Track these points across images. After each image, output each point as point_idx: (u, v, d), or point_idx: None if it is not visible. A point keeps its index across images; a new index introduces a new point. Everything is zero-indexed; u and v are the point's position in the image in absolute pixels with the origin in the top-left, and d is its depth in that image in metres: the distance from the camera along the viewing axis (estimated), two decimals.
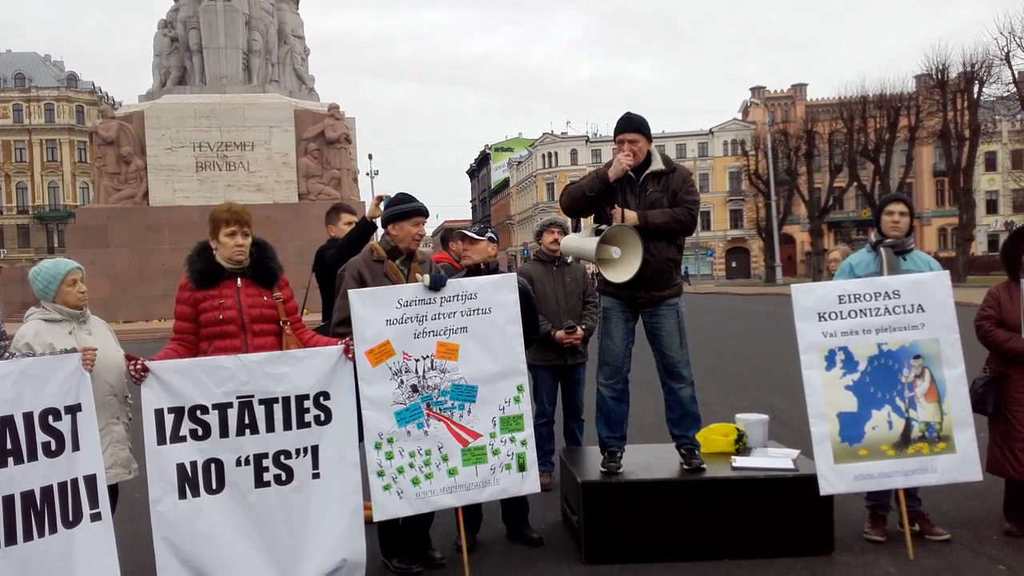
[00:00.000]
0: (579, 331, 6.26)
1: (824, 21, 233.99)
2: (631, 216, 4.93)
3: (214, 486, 4.12)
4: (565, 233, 6.63)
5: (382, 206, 5.14)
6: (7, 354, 4.01)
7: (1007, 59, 38.73)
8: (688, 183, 5.11)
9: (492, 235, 5.61)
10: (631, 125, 5.06)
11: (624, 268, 4.94)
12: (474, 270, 5.40)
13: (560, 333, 6.20)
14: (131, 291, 25.42)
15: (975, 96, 42.13)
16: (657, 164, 5.07)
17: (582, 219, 5.41)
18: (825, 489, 4.76)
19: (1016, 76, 38.86)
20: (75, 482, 3.81)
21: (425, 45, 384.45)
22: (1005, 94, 40.64)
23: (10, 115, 74.21)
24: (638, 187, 5.04)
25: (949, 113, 43.42)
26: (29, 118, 74.24)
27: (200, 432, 4.12)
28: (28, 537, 3.60)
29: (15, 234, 73.90)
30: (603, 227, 5.02)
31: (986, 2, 61.79)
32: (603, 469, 5.01)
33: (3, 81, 75.53)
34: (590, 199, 5.09)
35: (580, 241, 5.22)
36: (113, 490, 4.26)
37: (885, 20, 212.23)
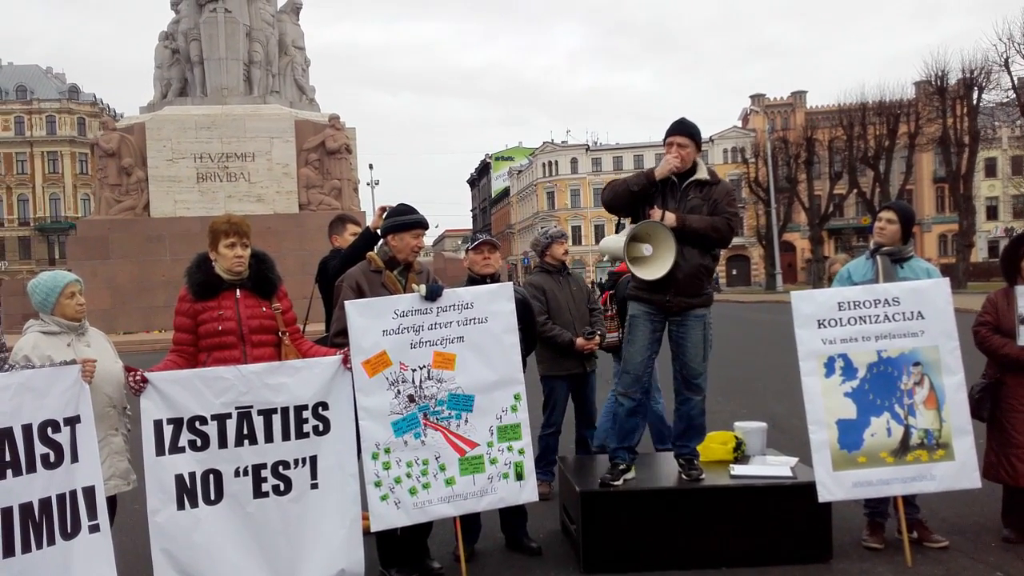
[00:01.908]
0: (597, 337, 6.30)
1: (818, 30, 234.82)
2: (670, 217, 4.90)
3: (212, 497, 4.12)
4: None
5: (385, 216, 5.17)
6: (6, 366, 4.03)
7: (1006, 65, 38.80)
8: (730, 196, 5.09)
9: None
10: (683, 129, 5.04)
11: (655, 267, 4.92)
12: (477, 280, 5.42)
13: (580, 340, 6.23)
14: (132, 302, 25.46)
15: (975, 102, 42.16)
16: (702, 173, 5.06)
17: (624, 220, 5.34)
18: (824, 496, 4.76)
19: (1015, 82, 38.89)
20: (74, 494, 3.81)
21: (425, 56, 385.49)
22: (1005, 100, 40.69)
23: (11, 127, 74.38)
24: (679, 192, 5.02)
25: (949, 119, 43.46)
26: (31, 130, 74.40)
27: (199, 443, 4.12)
28: (27, 549, 3.60)
29: (16, 246, 73.95)
30: (636, 223, 5.02)
31: (977, 11, 62.10)
32: (601, 480, 5.01)
33: (5, 93, 75.73)
34: (634, 195, 5.03)
35: (615, 240, 5.20)
36: (112, 502, 4.26)
37: (879, 29, 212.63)
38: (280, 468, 4.24)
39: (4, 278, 51.75)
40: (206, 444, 4.13)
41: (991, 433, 5.19)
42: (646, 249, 4.95)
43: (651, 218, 4.94)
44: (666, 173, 4.97)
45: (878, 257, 5.20)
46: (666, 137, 5.09)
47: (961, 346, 4.90)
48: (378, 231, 5.25)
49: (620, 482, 4.98)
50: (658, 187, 5.01)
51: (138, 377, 4.07)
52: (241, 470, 4.17)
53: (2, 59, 79.17)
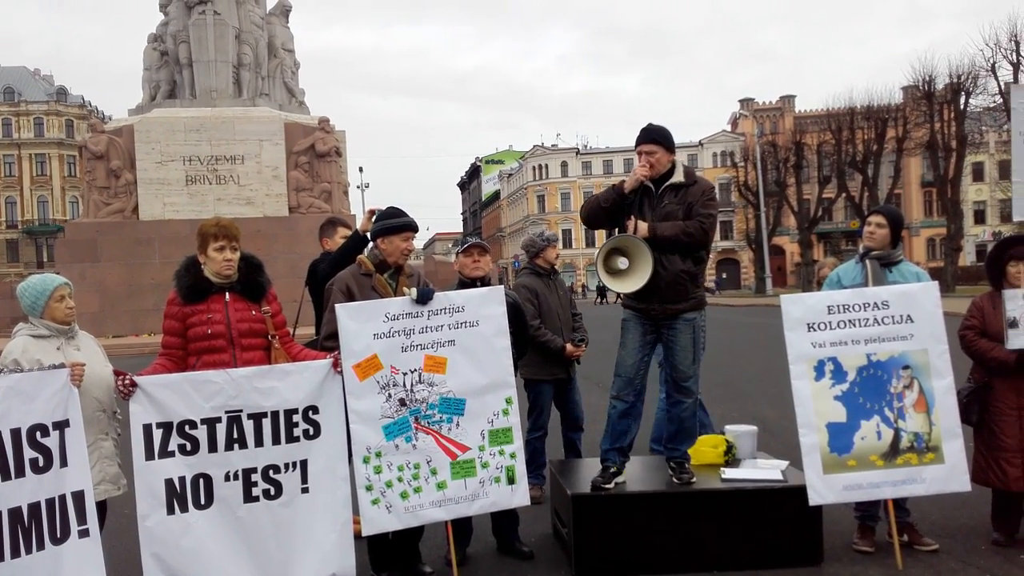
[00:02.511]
0: (583, 345, 6.37)
1: (807, 35, 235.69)
2: (641, 227, 4.88)
3: (203, 501, 4.10)
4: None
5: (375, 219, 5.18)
6: None
7: (993, 70, 39.15)
8: (706, 196, 5.02)
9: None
10: (648, 136, 5.01)
11: (632, 279, 4.92)
12: (467, 283, 5.41)
13: (570, 346, 6.27)
14: (121, 305, 25.34)
15: (962, 107, 42.46)
16: (677, 176, 5.01)
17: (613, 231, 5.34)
18: (814, 500, 4.77)
19: (1002, 87, 39.12)
20: (63, 498, 3.79)
21: (416, 60, 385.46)
22: (991, 105, 40.95)
23: None
24: (656, 198, 5.00)
25: (936, 124, 43.75)
26: (18, 132, 74.11)
27: (189, 447, 4.10)
28: (16, 554, 3.58)
29: (4, 249, 73.59)
30: (611, 237, 5.01)
31: (964, 17, 62.52)
32: (592, 483, 5.00)
33: None
34: (606, 210, 5.04)
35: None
36: (102, 506, 4.24)
37: (868, 34, 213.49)
38: (270, 472, 4.23)
39: None
40: (196, 448, 4.12)
41: (979, 437, 5.20)
42: (622, 263, 4.96)
43: (627, 229, 4.94)
44: (634, 184, 4.95)
45: (867, 261, 5.22)
46: (635, 147, 5.09)
47: (950, 349, 4.91)
48: (367, 234, 5.25)
49: (611, 485, 4.98)
50: (636, 196, 5.00)
51: (127, 381, 4.05)
52: (231, 474, 4.16)
53: None
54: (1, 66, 78.43)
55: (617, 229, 5.15)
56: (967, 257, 60.40)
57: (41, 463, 3.72)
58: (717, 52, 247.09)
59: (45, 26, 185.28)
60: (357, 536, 4.44)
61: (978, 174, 68.53)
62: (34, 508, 3.67)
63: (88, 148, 28.09)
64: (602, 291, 53.31)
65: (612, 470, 5.05)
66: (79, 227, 28.79)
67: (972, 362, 5.31)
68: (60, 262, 27.13)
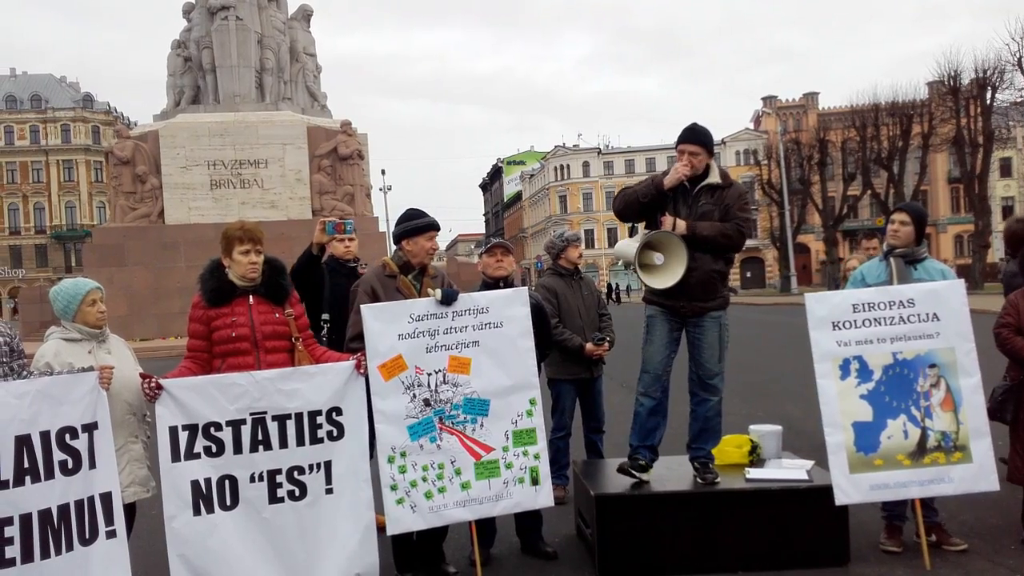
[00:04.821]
0: (606, 344, 6.32)
1: (819, 37, 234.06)
2: (680, 225, 4.91)
3: (228, 502, 4.14)
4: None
5: (327, 233, 5.35)
6: (26, 372, 4.06)
7: (1019, 64, 38.67)
8: (743, 200, 5.09)
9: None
10: (694, 137, 5.04)
11: (666, 275, 4.92)
12: (491, 283, 5.42)
13: (590, 346, 6.24)
14: (147, 309, 25.59)
15: (988, 102, 42.01)
16: (714, 177, 5.04)
17: (637, 225, 5.32)
18: (840, 499, 4.74)
19: None
20: (91, 500, 3.84)
21: (436, 64, 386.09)
22: (1018, 99, 40.54)
23: (27, 136, 75.09)
24: (691, 198, 5.02)
25: (962, 119, 43.32)
26: (46, 139, 75.06)
27: (214, 449, 4.15)
28: (45, 555, 3.63)
29: (33, 254, 74.56)
30: (648, 232, 5.01)
31: (980, 14, 61.78)
32: (619, 466, 5.03)
33: (20, 103, 76.39)
34: (643, 205, 5.04)
35: (627, 245, 5.18)
36: (131, 508, 4.28)
37: (884, 34, 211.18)
38: (295, 473, 4.26)
39: (21, 286, 52.18)
40: (221, 450, 4.16)
41: (1015, 435, 5.14)
42: (658, 258, 4.95)
43: (663, 225, 4.94)
44: (675, 182, 4.96)
45: (892, 259, 5.17)
46: (677, 144, 5.09)
47: (977, 347, 4.86)
48: (321, 249, 5.37)
49: (637, 472, 4.98)
50: (670, 193, 5.01)
51: (152, 384, 4.09)
52: (256, 476, 4.19)
53: (17, 69, 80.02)
54: (28, 74, 79.53)
55: (644, 224, 5.16)
56: (995, 254, 59.61)
57: (70, 465, 3.77)
58: (735, 52, 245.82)
59: (70, 35, 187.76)
60: (380, 529, 4.46)
61: (1006, 169, 67.72)
62: (63, 510, 3.72)
63: (114, 154, 28.43)
64: (614, 290, 53.43)
65: (641, 462, 5.05)
66: (106, 232, 29.17)
67: (1007, 360, 5.24)
68: (88, 266, 27.47)
